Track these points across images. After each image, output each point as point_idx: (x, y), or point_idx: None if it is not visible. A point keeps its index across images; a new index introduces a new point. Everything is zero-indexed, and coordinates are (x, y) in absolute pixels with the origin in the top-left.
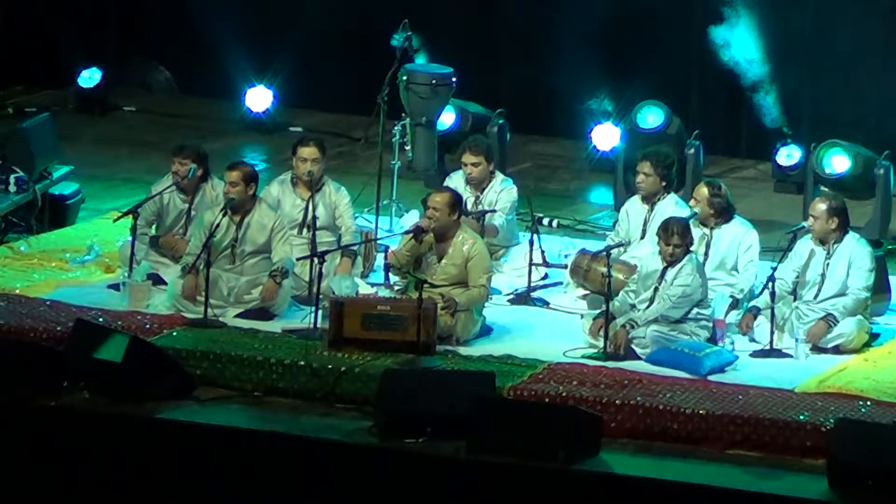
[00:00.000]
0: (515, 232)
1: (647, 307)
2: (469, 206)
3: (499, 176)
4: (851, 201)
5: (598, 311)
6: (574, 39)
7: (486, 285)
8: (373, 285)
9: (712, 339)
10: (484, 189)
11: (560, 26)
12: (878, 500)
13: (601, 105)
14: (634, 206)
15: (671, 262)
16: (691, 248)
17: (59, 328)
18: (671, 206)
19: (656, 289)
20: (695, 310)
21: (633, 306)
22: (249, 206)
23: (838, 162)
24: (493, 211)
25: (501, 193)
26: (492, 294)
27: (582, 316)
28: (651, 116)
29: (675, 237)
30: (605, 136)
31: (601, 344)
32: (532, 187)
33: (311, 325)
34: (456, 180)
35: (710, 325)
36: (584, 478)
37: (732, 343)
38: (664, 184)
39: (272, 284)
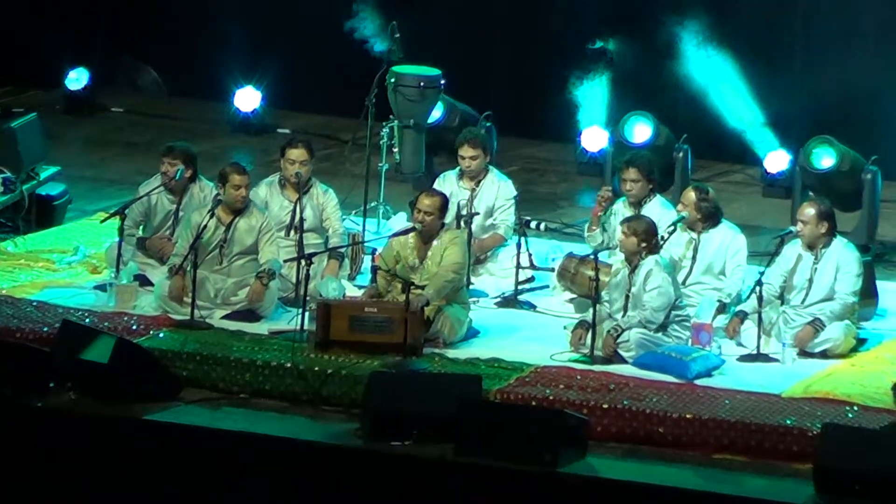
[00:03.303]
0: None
1: (623, 315)
2: (463, 202)
3: (493, 170)
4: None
5: (576, 321)
6: (563, 43)
7: (456, 273)
8: (360, 287)
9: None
10: (479, 182)
11: (549, 30)
12: None
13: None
14: (621, 209)
15: (630, 257)
16: (657, 251)
17: (45, 329)
18: (657, 208)
19: (627, 296)
20: (673, 312)
21: (609, 315)
22: (243, 208)
23: (825, 158)
24: (478, 214)
25: (501, 190)
26: (479, 297)
27: (565, 327)
28: (639, 130)
29: (633, 227)
30: (594, 139)
31: (584, 352)
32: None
33: (298, 327)
34: (448, 182)
35: (689, 322)
36: (570, 481)
37: (719, 347)
38: (651, 187)
39: (259, 286)
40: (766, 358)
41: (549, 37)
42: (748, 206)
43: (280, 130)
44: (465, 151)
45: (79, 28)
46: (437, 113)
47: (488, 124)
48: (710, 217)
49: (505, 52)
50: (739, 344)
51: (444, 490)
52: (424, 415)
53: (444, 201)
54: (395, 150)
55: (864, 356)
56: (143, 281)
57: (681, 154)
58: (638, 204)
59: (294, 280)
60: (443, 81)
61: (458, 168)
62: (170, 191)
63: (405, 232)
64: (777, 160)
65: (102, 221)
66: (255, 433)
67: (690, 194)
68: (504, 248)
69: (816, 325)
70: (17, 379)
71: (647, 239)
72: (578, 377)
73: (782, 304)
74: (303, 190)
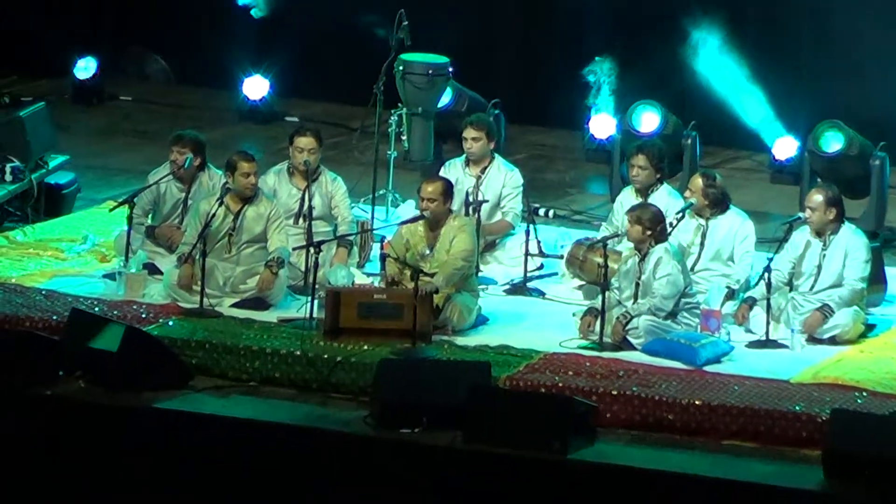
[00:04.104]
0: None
1: (633, 302)
2: (470, 189)
3: (499, 158)
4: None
5: (585, 309)
6: (571, 29)
7: (465, 260)
8: (369, 275)
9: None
10: (485, 169)
11: (556, 16)
12: (874, 490)
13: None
14: (628, 197)
15: (638, 246)
16: (665, 238)
17: (54, 318)
18: (664, 196)
19: (637, 284)
20: (682, 299)
21: (619, 303)
22: (252, 196)
23: (833, 142)
24: (487, 201)
25: (508, 178)
26: (488, 284)
27: (574, 314)
28: (646, 118)
29: (637, 215)
30: (602, 126)
31: (593, 339)
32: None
33: (307, 315)
34: (453, 168)
35: (698, 309)
36: (579, 468)
37: (728, 334)
38: (658, 175)
39: (268, 274)
40: (774, 344)
41: (557, 24)
42: (756, 192)
43: (288, 118)
44: (468, 133)
45: (86, 16)
46: (445, 99)
47: (496, 111)
48: (717, 203)
49: (513, 39)
50: (748, 330)
51: (453, 477)
52: (433, 402)
53: (446, 186)
54: (404, 137)
55: (873, 342)
56: (152, 269)
57: (689, 141)
58: (644, 192)
59: (303, 268)
60: (451, 69)
61: (464, 155)
62: (179, 179)
63: (414, 220)
64: (785, 147)
65: (111, 210)
66: (264, 421)
67: (698, 181)
68: (513, 236)
69: (825, 312)
70: (27, 368)
71: (651, 227)
72: (587, 364)
73: (791, 290)
74: (311, 178)
